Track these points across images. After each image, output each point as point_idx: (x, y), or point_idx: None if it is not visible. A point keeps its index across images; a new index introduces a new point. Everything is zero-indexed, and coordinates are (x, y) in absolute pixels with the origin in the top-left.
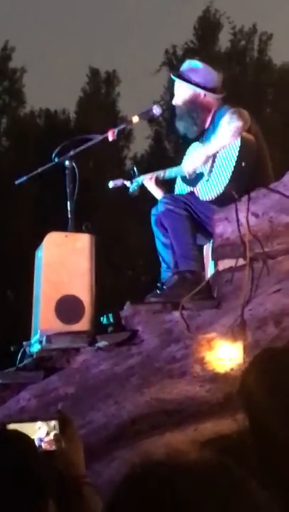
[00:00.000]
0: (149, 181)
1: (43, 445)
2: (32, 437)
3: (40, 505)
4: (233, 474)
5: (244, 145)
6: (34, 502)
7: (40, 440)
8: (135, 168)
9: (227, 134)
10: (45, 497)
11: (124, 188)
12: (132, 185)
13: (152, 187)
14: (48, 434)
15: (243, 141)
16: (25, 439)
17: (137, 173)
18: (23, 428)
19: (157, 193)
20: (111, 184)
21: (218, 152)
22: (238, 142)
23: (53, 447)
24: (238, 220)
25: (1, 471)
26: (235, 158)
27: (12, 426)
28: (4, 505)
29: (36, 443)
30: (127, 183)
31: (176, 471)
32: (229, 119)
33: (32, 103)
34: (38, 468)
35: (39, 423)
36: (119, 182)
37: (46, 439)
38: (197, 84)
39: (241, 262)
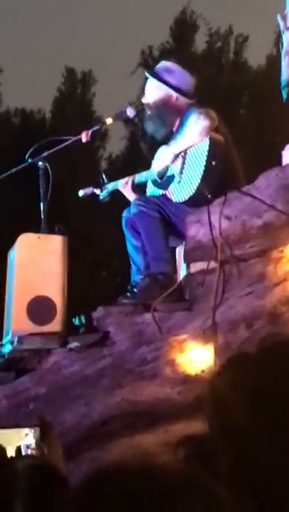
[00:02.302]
0: (125, 187)
1: (29, 451)
2: (19, 444)
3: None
4: (200, 486)
5: (213, 144)
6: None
7: (27, 447)
8: (104, 176)
9: (194, 133)
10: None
11: (95, 195)
12: (101, 193)
13: (129, 192)
14: (34, 440)
15: (212, 140)
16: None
17: (106, 181)
18: (8, 434)
19: (133, 197)
20: (81, 193)
21: (187, 152)
22: (206, 141)
23: (40, 452)
24: (210, 222)
25: None
26: (205, 158)
27: None
28: None
29: (23, 450)
30: (97, 191)
31: (132, 479)
32: (196, 118)
33: (8, 102)
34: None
35: (26, 430)
36: (89, 190)
37: (33, 446)
38: (171, 86)
39: (213, 264)
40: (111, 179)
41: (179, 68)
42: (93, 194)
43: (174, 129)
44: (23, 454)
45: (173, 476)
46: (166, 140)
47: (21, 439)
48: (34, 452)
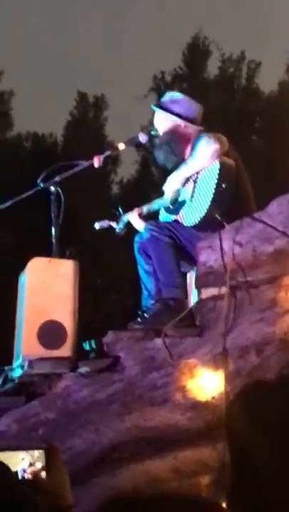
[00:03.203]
0: (132, 216)
1: (26, 476)
2: (16, 468)
3: None
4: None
5: (223, 167)
6: None
7: (24, 471)
8: (120, 209)
9: (205, 156)
10: None
11: (110, 228)
12: (117, 226)
13: (136, 221)
14: (30, 464)
15: (222, 163)
16: (6, 470)
17: (122, 213)
18: (7, 458)
19: (141, 227)
20: (97, 226)
21: (198, 177)
22: (217, 164)
23: (38, 477)
24: (221, 248)
25: None
26: (216, 181)
27: None
28: None
29: (19, 474)
30: (113, 224)
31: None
32: (206, 142)
33: (19, 126)
34: (20, 500)
35: (22, 454)
36: (105, 223)
37: (29, 470)
38: (177, 115)
39: (224, 290)
40: (126, 211)
41: (184, 97)
42: (109, 227)
43: (186, 157)
44: (21, 477)
45: (184, 503)
46: (177, 168)
47: (19, 463)
48: (31, 476)
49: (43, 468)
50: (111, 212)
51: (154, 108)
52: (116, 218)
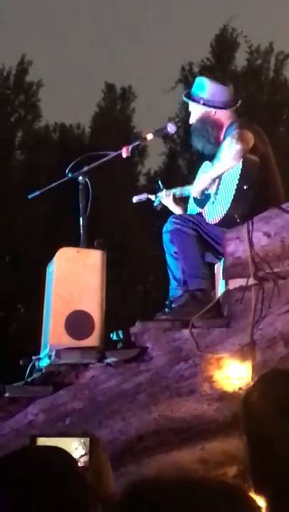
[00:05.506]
0: (166, 199)
1: (79, 464)
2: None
3: None
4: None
5: (246, 167)
6: None
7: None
8: (160, 182)
9: (227, 158)
10: None
11: (149, 202)
12: (156, 199)
13: (170, 204)
14: (83, 453)
15: (245, 163)
16: (68, 456)
17: (161, 187)
18: (58, 444)
19: (176, 210)
20: (135, 199)
21: (222, 174)
22: (239, 165)
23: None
24: (249, 239)
25: (43, 488)
26: (237, 182)
27: (44, 440)
28: None
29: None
30: (152, 197)
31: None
32: (229, 142)
33: (47, 117)
34: (80, 487)
35: (75, 443)
36: (143, 196)
37: (82, 459)
38: (205, 103)
39: (252, 281)
40: (166, 187)
41: (210, 82)
42: (147, 201)
43: (221, 141)
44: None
45: (210, 489)
46: (213, 154)
47: (72, 452)
48: (85, 465)
49: (90, 458)
50: (137, 204)
51: (184, 99)
52: (156, 192)
